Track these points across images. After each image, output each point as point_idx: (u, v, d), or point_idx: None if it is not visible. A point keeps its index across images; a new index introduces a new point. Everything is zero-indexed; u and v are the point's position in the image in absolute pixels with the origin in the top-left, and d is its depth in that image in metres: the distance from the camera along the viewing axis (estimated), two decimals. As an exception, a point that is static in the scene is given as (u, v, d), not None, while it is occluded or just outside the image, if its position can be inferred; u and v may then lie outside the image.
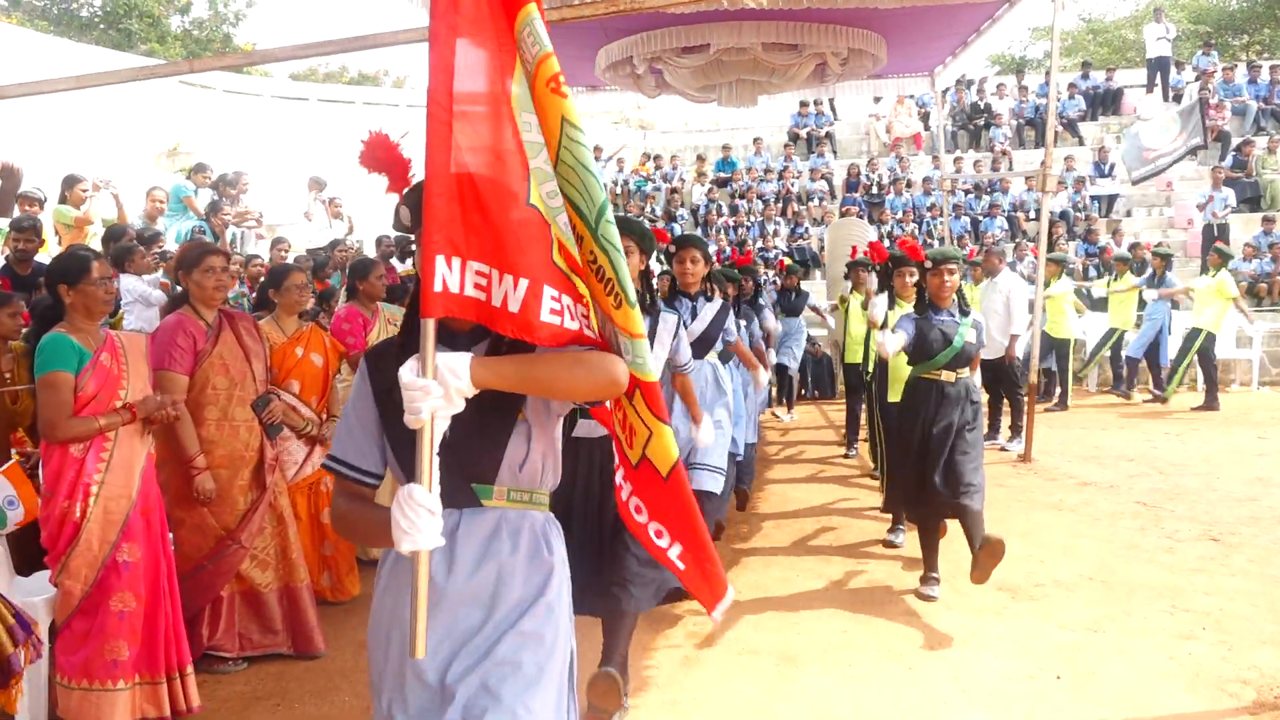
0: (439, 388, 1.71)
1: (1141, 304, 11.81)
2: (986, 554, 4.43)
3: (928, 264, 4.88)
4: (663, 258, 5.11)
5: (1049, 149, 8.05)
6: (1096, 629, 4.41)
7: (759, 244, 15.84)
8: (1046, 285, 9.70)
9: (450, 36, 1.76)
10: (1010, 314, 8.64)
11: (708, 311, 4.90)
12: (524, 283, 1.80)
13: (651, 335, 3.34)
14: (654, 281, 3.63)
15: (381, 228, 12.13)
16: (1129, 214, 16.37)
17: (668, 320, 3.65)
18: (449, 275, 1.76)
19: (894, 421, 5.49)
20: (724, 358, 5.40)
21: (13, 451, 3.68)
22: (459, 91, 1.77)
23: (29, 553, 3.72)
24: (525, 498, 1.98)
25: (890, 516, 6.05)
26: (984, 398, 11.15)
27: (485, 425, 1.91)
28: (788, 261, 12.67)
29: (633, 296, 1.84)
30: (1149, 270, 11.88)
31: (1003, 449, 8.72)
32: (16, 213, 6.88)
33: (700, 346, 4.81)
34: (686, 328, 4.53)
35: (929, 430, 4.82)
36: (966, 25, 10.02)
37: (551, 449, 2.03)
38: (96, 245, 6.96)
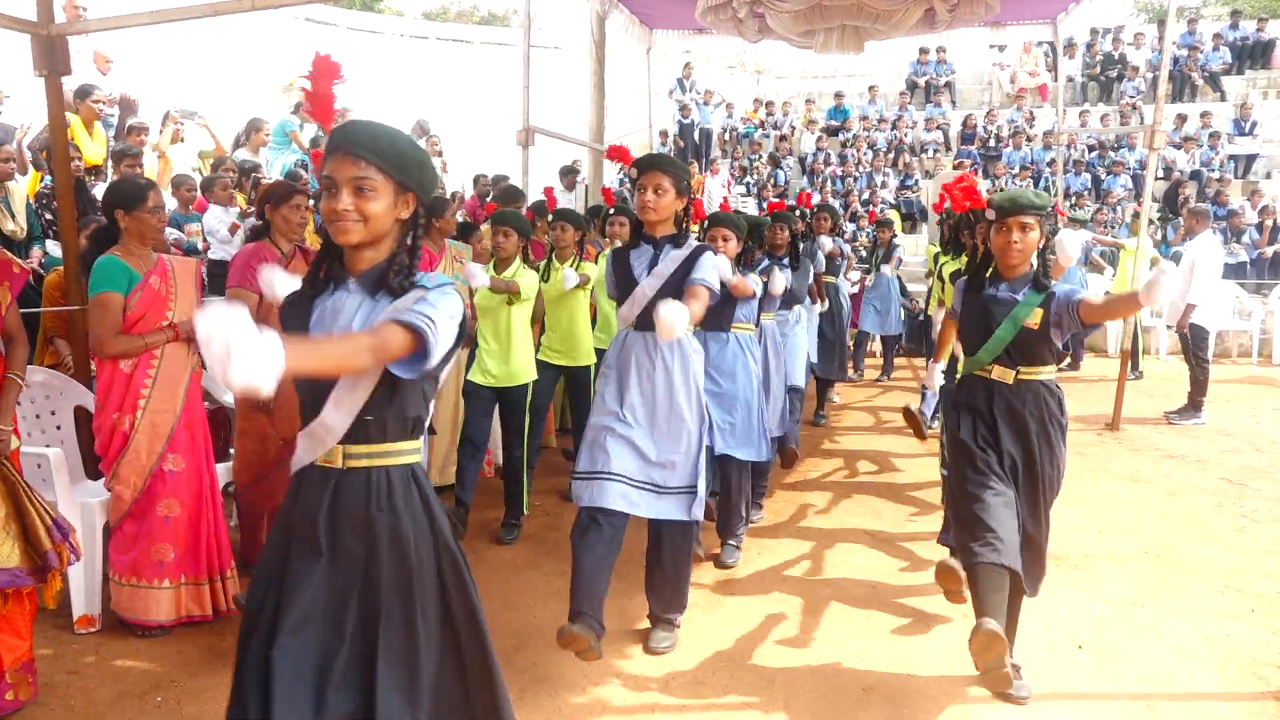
0: None
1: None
2: (977, 643, 2.96)
3: (989, 214, 3.36)
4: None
5: (1159, 105, 7.60)
6: (1136, 603, 4.27)
7: (865, 195, 15.49)
8: None
9: None
10: (1190, 280, 8.09)
11: (669, 262, 3.50)
12: None
13: None
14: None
15: (479, 166, 12.36)
16: (1269, 175, 15.31)
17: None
18: None
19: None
20: (712, 324, 4.36)
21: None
22: None
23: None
24: None
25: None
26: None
27: None
28: (879, 214, 12.29)
29: None
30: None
31: (1169, 420, 8.33)
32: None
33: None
34: (638, 281, 3.53)
35: (982, 444, 3.39)
36: (1087, -32, 9.50)
37: None
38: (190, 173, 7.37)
